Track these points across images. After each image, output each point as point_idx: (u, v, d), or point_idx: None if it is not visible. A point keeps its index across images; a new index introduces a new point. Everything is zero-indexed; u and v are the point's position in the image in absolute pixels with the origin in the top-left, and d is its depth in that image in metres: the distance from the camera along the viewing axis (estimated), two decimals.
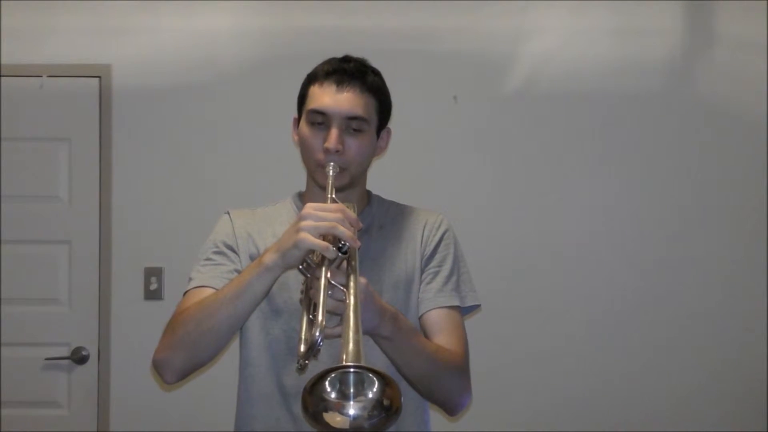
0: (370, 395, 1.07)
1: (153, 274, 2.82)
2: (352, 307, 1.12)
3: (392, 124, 1.55)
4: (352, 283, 1.17)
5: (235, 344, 1.55)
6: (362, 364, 1.03)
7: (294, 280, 1.41)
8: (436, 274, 1.47)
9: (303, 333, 1.17)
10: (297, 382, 1.39)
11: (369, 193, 1.57)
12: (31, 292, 2.83)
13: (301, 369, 1.15)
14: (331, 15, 2.82)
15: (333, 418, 1.07)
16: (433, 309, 1.44)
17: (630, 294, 2.82)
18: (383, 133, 1.52)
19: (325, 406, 1.06)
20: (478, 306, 1.50)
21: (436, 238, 1.49)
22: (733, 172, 2.85)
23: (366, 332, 1.23)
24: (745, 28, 2.86)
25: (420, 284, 1.46)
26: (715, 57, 2.86)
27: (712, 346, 2.82)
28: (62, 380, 2.81)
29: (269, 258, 1.25)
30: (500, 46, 2.85)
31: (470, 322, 1.52)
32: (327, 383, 1.06)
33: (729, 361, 2.81)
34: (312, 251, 1.21)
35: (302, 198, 1.55)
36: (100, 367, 2.80)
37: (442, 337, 1.40)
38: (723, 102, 2.85)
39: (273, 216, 1.53)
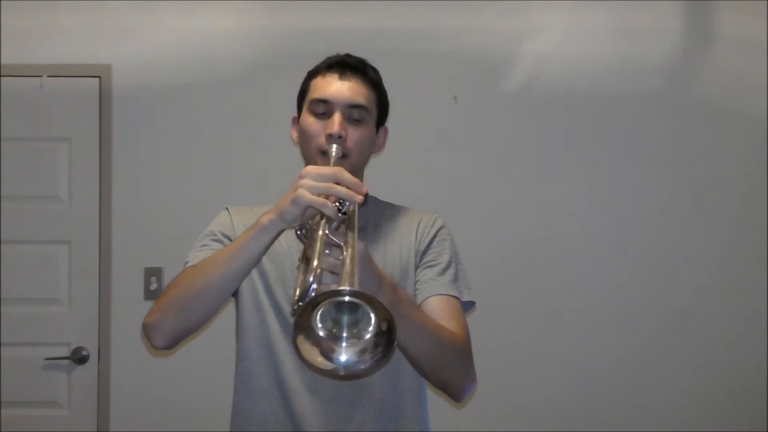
0: (366, 336, 1.06)
1: (153, 274, 2.82)
2: (349, 257, 1.11)
3: (392, 124, 1.55)
4: (350, 239, 1.15)
5: (233, 344, 1.55)
6: (356, 288, 1.01)
7: (291, 277, 1.41)
8: (433, 266, 1.46)
9: (298, 282, 1.15)
10: (296, 378, 1.38)
11: (366, 193, 1.57)
12: (31, 292, 2.83)
13: (294, 314, 1.10)
14: (331, 15, 2.83)
15: (315, 357, 1.06)
16: (433, 296, 1.42)
17: (630, 293, 2.82)
18: (380, 132, 1.53)
19: (316, 342, 1.05)
20: (473, 304, 1.49)
21: (431, 234, 1.49)
22: (733, 172, 2.85)
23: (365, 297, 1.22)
24: (745, 28, 2.86)
25: (415, 278, 1.45)
26: (715, 57, 2.86)
27: (712, 346, 2.82)
28: (62, 380, 2.81)
29: (266, 218, 1.24)
30: (500, 46, 2.85)
31: (469, 322, 1.51)
32: (317, 319, 1.04)
33: (729, 361, 2.82)
34: (311, 214, 1.20)
35: None
36: (100, 367, 2.80)
37: (443, 323, 1.37)
38: (723, 102, 2.85)
39: None
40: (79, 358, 2.79)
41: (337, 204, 1.17)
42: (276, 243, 1.32)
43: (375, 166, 1.55)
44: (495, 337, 2.74)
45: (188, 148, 2.85)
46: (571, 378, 2.81)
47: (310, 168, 1.22)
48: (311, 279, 1.08)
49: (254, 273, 1.42)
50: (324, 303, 1.04)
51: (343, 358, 1.07)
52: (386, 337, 1.05)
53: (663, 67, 2.86)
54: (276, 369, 1.42)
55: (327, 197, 1.18)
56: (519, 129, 2.86)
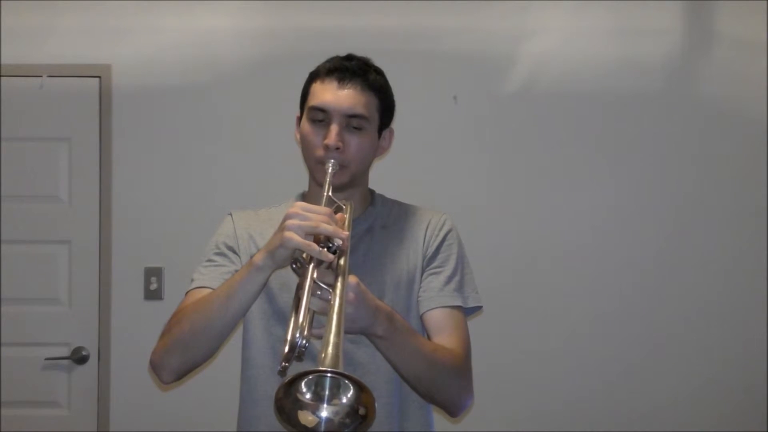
0: (344, 401, 1.06)
1: (153, 274, 2.82)
2: (336, 309, 1.11)
3: (392, 124, 1.55)
4: (338, 284, 1.15)
5: (233, 345, 1.55)
6: (339, 369, 1.01)
7: (295, 282, 1.41)
8: (438, 273, 1.45)
9: (288, 334, 1.15)
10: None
11: (372, 192, 1.56)
12: (31, 292, 2.83)
13: (282, 371, 1.12)
14: (331, 15, 2.82)
15: (305, 417, 1.06)
16: (435, 308, 1.42)
17: (630, 293, 2.82)
18: (385, 133, 1.51)
19: (300, 405, 1.05)
20: (480, 308, 1.49)
21: (439, 238, 1.48)
22: (733, 171, 2.85)
23: (360, 332, 1.23)
24: (745, 28, 2.86)
25: (421, 284, 1.45)
26: (715, 57, 2.86)
27: (712, 346, 2.82)
28: (62, 380, 2.81)
29: (259, 258, 1.25)
30: (500, 46, 2.85)
31: (471, 322, 1.51)
32: (303, 385, 1.05)
33: (729, 361, 2.81)
34: (301, 253, 1.21)
35: (304, 198, 1.54)
36: (100, 367, 2.80)
37: (443, 337, 1.39)
38: (723, 102, 2.85)
39: (275, 217, 1.51)
40: (79, 358, 2.79)
41: (328, 245, 1.18)
42: None
43: (374, 166, 1.55)
44: (496, 336, 2.74)
45: (188, 148, 2.85)
46: (573, 380, 2.81)
47: (298, 207, 1.22)
48: (298, 336, 1.10)
49: None
50: (306, 377, 1.05)
51: (324, 415, 1.07)
52: (362, 418, 1.06)
53: (663, 67, 2.86)
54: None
55: (315, 236, 1.19)
56: (519, 129, 2.86)
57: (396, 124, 1.57)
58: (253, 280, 1.26)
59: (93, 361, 2.80)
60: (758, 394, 2.80)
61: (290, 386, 1.04)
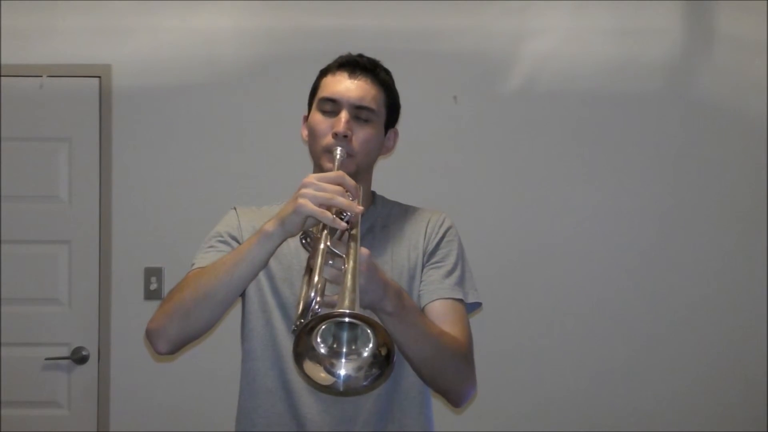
0: (365, 354, 1.07)
1: (153, 274, 2.82)
2: (350, 270, 1.11)
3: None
4: (351, 250, 1.15)
5: (233, 344, 1.55)
6: (356, 312, 1.02)
7: (298, 277, 1.41)
8: (439, 267, 1.46)
9: (301, 296, 1.15)
10: (301, 379, 1.38)
11: (373, 193, 1.57)
12: (31, 292, 2.83)
13: (296, 330, 1.10)
14: (331, 15, 2.82)
15: (318, 373, 1.07)
16: (437, 300, 1.42)
17: (628, 292, 2.83)
18: (390, 133, 1.53)
19: (319, 360, 1.06)
20: (479, 305, 1.50)
21: (439, 235, 1.49)
22: (733, 171, 2.85)
23: (369, 306, 1.21)
24: (745, 28, 2.86)
25: (422, 278, 1.46)
26: (715, 57, 2.86)
27: (712, 346, 2.82)
28: (62, 380, 2.81)
29: (270, 225, 1.25)
30: (500, 46, 2.85)
31: (470, 320, 1.51)
32: (318, 336, 1.05)
33: (729, 361, 2.82)
34: (313, 223, 1.21)
35: None
36: (100, 367, 2.80)
37: (446, 327, 1.38)
38: (723, 102, 2.85)
39: None
40: (79, 358, 2.79)
41: (340, 215, 1.18)
42: (283, 244, 1.33)
43: (376, 166, 1.55)
44: (494, 336, 2.74)
45: (188, 148, 2.85)
46: (573, 379, 2.81)
47: (313, 176, 1.23)
48: (312, 294, 1.09)
49: (261, 274, 1.41)
50: (322, 324, 1.05)
51: (343, 372, 1.08)
52: (384, 359, 1.07)
53: (663, 67, 2.86)
54: (281, 370, 1.42)
55: (329, 207, 1.19)
56: (519, 129, 2.86)
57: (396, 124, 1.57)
58: (262, 247, 1.25)
59: (93, 361, 2.80)
60: (758, 394, 2.80)
61: (306, 338, 1.04)
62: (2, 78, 2.80)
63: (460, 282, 1.46)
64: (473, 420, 2.69)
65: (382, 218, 1.52)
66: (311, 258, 1.20)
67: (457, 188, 2.83)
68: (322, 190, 1.20)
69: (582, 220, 2.84)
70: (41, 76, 2.82)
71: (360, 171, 1.44)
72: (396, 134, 1.55)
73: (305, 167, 1.52)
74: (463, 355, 1.37)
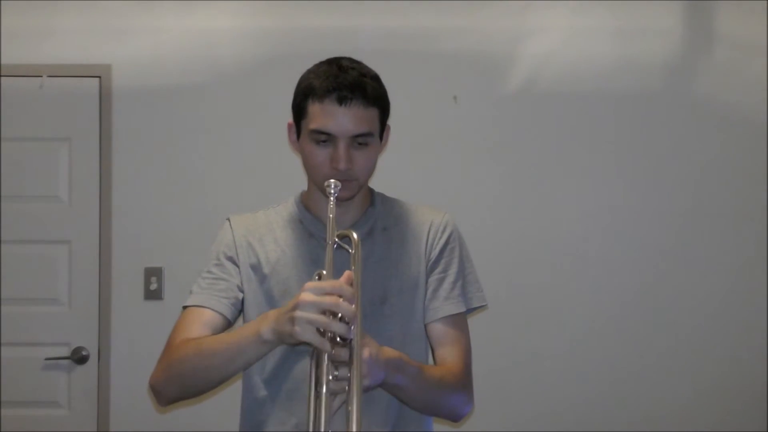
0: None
1: (153, 274, 2.82)
2: (356, 399, 1.11)
3: (392, 124, 1.54)
4: (354, 377, 1.13)
5: None
6: None
7: (297, 288, 1.38)
8: (442, 280, 1.46)
9: (309, 410, 1.18)
10: (303, 386, 1.37)
11: (372, 191, 1.54)
12: (31, 292, 2.83)
13: None
14: (331, 15, 2.82)
15: None
16: (439, 319, 1.44)
17: (629, 294, 2.82)
18: (384, 133, 1.50)
19: None
20: (484, 305, 1.51)
21: (442, 241, 1.48)
22: (733, 172, 2.85)
23: (373, 387, 1.23)
24: (745, 28, 2.86)
25: (426, 290, 1.46)
26: (715, 57, 2.86)
27: (712, 346, 2.82)
28: (62, 380, 2.81)
29: (267, 332, 1.22)
30: (500, 46, 2.85)
31: (472, 323, 1.51)
32: None
33: (729, 362, 2.82)
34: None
35: (303, 198, 1.53)
36: (100, 367, 2.80)
37: (446, 350, 1.42)
38: (723, 102, 2.85)
39: (274, 220, 1.51)
40: (79, 358, 2.79)
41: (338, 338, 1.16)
42: (281, 253, 1.32)
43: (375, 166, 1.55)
44: (497, 337, 2.74)
45: (188, 148, 2.85)
46: (573, 380, 2.81)
47: (308, 294, 1.16)
48: (321, 417, 1.12)
49: (258, 290, 1.43)
50: None
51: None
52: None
53: (663, 67, 2.86)
54: (284, 377, 1.42)
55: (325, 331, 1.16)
56: (519, 129, 2.86)
57: (396, 124, 1.56)
58: (257, 350, 1.26)
59: (93, 361, 2.80)
60: (758, 394, 2.80)
61: None
62: (2, 78, 2.80)
63: (463, 290, 1.47)
64: (473, 420, 2.68)
65: (381, 219, 1.50)
66: (317, 367, 1.18)
67: (457, 188, 2.83)
68: (317, 310, 1.14)
69: (582, 220, 2.84)
70: (41, 76, 2.82)
71: (362, 188, 1.45)
72: (388, 130, 1.49)
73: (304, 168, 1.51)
74: (461, 386, 1.40)
